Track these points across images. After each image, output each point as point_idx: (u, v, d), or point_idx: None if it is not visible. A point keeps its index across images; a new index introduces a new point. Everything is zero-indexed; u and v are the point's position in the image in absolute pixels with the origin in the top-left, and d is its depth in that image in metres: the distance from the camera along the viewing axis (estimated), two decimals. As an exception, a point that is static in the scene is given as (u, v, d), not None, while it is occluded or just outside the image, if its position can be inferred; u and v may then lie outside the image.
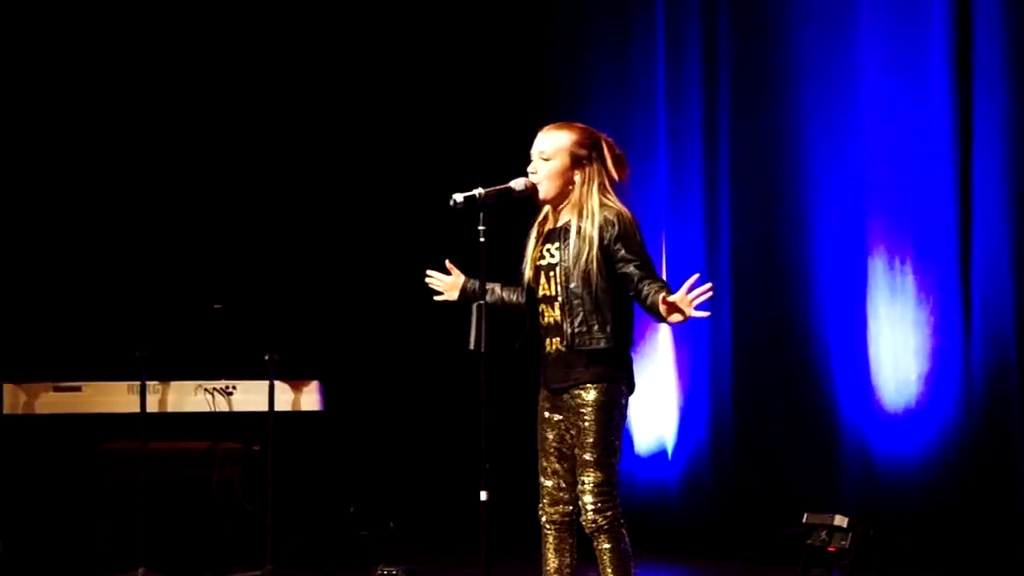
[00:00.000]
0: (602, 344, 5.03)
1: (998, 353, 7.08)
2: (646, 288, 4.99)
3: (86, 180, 8.56)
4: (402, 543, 8.26)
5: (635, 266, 5.00)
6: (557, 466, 5.13)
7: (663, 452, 8.25)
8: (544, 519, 5.18)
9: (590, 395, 5.04)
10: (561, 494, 5.14)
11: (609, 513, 5.02)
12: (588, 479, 5.03)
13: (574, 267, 5.03)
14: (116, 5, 8.67)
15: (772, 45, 7.94)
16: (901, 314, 7.43)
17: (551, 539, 5.20)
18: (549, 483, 5.16)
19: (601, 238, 5.01)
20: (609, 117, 8.35)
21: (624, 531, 5.08)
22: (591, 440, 5.02)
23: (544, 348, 5.14)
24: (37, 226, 8.39)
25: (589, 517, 5.04)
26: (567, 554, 5.20)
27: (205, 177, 8.77)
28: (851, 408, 7.54)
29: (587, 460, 5.02)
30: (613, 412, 5.05)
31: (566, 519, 5.16)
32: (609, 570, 5.06)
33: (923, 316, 7.37)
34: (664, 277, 8.02)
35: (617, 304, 5.06)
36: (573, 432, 5.09)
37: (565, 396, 5.09)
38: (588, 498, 5.03)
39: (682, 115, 8.29)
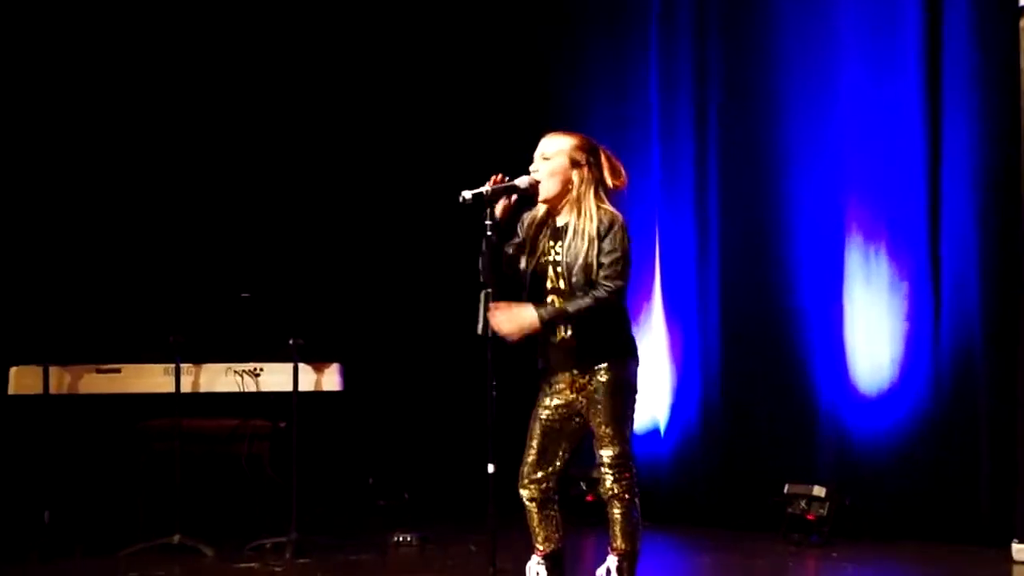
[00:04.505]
0: (603, 331, 5.05)
1: (965, 338, 7.08)
2: (589, 293, 5.00)
3: (127, 182, 8.54)
4: (416, 512, 8.26)
5: (606, 276, 5.01)
6: (543, 444, 5.14)
7: (656, 430, 8.24)
8: (525, 495, 5.18)
9: (604, 376, 5.05)
10: (539, 472, 5.14)
11: (625, 483, 5.06)
12: (607, 452, 5.05)
13: (575, 263, 5.04)
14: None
15: (758, 50, 7.90)
16: (876, 302, 7.41)
17: (535, 513, 5.20)
18: (530, 459, 5.16)
19: (599, 236, 5.03)
20: (605, 118, 8.34)
21: (637, 500, 5.11)
22: (608, 417, 5.05)
23: (554, 335, 5.12)
24: (83, 223, 8.38)
25: (607, 485, 5.07)
26: (553, 523, 5.20)
27: (234, 177, 8.76)
28: (829, 389, 7.53)
29: (605, 434, 5.05)
30: (626, 389, 5.09)
31: (544, 495, 5.16)
32: (619, 533, 5.09)
33: (896, 303, 7.36)
34: (656, 270, 8.07)
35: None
36: (588, 412, 5.10)
37: (580, 379, 5.09)
38: (607, 469, 5.06)
39: (673, 116, 8.23)
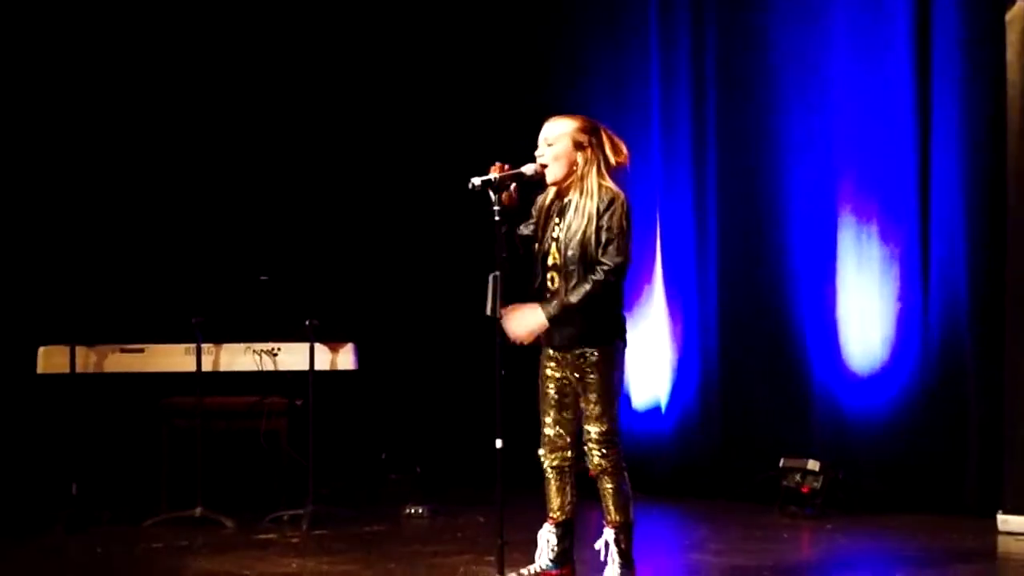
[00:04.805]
0: (595, 311, 5.09)
1: (952, 319, 7.14)
2: (587, 277, 5.06)
3: (152, 169, 8.55)
4: (427, 485, 8.20)
5: (606, 255, 5.05)
6: (557, 416, 5.23)
7: (657, 407, 8.30)
8: (546, 464, 5.29)
9: (593, 356, 5.13)
10: (560, 442, 5.24)
11: (613, 458, 5.15)
12: (595, 429, 5.13)
13: (572, 238, 5.11)
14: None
15: (754, 40, 7.92)
16: (867, 284, 7.47)
17: (553, 482, 5.31)
18: (550, 432, 5.25)
19: (598, 214, 5.09)
20: (606, 107, 8.32)
21: (625, 474, 5.19)
22: (596, 396, 5.13)
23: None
24: (109, 209, 8.38)
25: (595, 461, 5.15)
26: (568, 493, 5.31)
27: (253, 165, 8.77)
28: (822, 368, 7.58)
29: (593, 412, 5.13)
30: (614, 370, 5.15)
31: (565, 464, 5.27)
32: (611, 506, 5.18)
33: (887, 285, 7.40)
34: (657, 254, 8.10)
35: None
36: (578, 388, 5.17)
37: (568, 356, 5.17)
38: (595, 445, 5.13)
39: (672, 104, 8.25)
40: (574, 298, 5.06)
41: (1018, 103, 6.61)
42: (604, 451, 5.13)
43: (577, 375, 5.17)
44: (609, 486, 5.17)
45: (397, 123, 9.17)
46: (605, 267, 5.07)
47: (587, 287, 5.06)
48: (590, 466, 5.19)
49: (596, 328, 5.14)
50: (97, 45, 8.47)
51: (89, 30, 8.47)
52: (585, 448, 5.21)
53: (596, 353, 5.13)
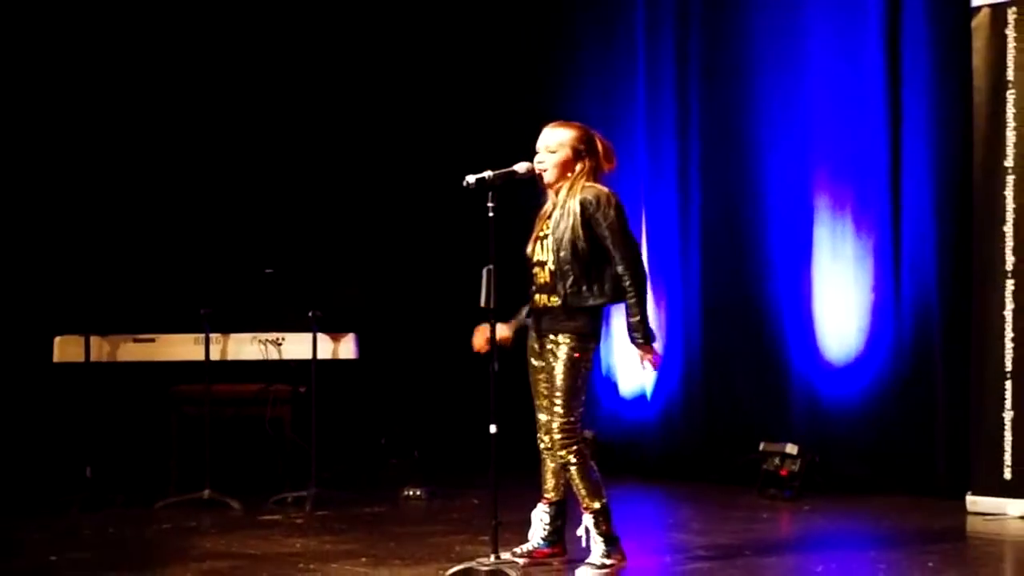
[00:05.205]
0: (590, 302, 5.19)
1: (923, 311, 7.23)
2: (625, 289, 5.20)
3: (164, 165, 8.58)
4: (425, 469, 8.27)
5: (620, 256, 5.16)
6: (547, 403, 5.30)
7: (643, 395, 8.40)
8: (542, 446, 5.37)
9: (561, 349, 5.19)
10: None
11: (575, 448, 5.20)
12: (556, 421, 5.20)
13: (562, 238, 5.19)
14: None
15: (736, 39, 7.98)
16: (842, 276, 7.55)
17: (548, 462, 5.40)
18: (543, 417, 5.34)
19: (583, 211, 5.19)
20: (595, 103, 8.41)
21: (592, 463, 5.25)
22: (558, 387, 5.18)
23: (534, 303, 5.31)
24: (122, 204, 8.39)
25: (557, 452, 5.21)
26: (561, 474, 5.37)
27: (259, 162, 8.78)
28: (800, 357, 7.67)
29: (554, 402, 5.19)
30: (579, 364, 5.20)
31: None
32: (584, 494, 5.23)
33: (861, 278, 7.49)
34: (643, 245, 8.14)
35: (605, 267, 5.21)
36: (546, 376, 5.26)
37: (545, 341, 5.26)
38: (557, 436, 5.19)
39: (658, 103, 8.32)
40: (636, 310, 5.15)
41: (984, 109, 6.63)
42: (565, 442, 5.17)
43: (544, 363, 5.26)
44: (577, 476, 5.20)
45: (397, 121, 9.18)
46: (623, 272, 5.15)
47: (632, 295, 5.16)
48: (555, 459, 5.25)
49: (574, 321, 5.19)
50: (100, 43, 8.45)
51: (95, 28, 8.45)
52: (547, 441, 5.28)
53: (564, 346, 5.16)
